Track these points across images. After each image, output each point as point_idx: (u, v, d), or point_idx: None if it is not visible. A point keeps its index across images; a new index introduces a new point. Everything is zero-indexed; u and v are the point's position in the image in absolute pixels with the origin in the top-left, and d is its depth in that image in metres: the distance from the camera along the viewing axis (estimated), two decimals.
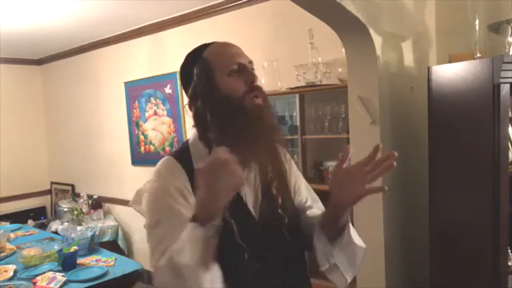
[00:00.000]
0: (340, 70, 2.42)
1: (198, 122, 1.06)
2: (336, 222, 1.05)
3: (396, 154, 0.99)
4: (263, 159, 1.08)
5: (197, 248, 0.85)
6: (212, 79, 1.04)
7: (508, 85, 1.61)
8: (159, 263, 0.90)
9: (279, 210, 1.08)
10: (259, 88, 1.05)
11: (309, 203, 1.22)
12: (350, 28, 1.90)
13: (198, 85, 1.05)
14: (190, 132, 1.12)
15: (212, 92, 1.03)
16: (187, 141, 1.12)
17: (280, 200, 1.10)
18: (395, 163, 1.00)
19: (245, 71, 1.05)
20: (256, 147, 1.03)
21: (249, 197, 1.07)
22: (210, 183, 0.86)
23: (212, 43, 1.11)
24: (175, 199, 0.99)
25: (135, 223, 4.40)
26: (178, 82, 3.75)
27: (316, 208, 1.21)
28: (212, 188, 0.86)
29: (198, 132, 1.07)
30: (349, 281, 1.09)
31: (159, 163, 1.07)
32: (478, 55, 1.80)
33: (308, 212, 1.19)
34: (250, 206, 1.06)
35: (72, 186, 5.16)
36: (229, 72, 1.03)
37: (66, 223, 4.22)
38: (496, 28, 1.80)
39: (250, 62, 1.08)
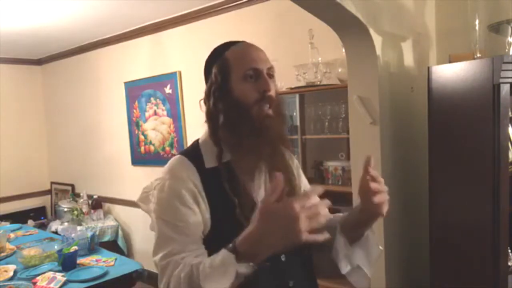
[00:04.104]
0: (340, 70, 2.42)
1: (209, 120, 1.06)
2: (363, 227, 1.08)
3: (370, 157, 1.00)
4: (272, 164, 1.07)
5: (226, 281, 0.82)
6: (227, 81, 1.03)
7: (508, 85, 1.61)
8: (174, 273, 0.89)
9: None
10: (271, 98, 1.03)
11: None
12: (350, 28, 1.90)
13: (213, 84, 1.05)
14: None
15: (225, 95, 1.03)
16: (198, 140, 1.12)
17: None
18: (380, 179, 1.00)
19: (260, 78, 1.03)
20: (258, 155, 1.04)
21: (261, 197, 1.06)
22: (269, 227, 0.80)
23: (238, 42, 1.09)
24: (186, 203, 0.98)
25: (135, 223, 4.40)
26: (178, 82, 3.76)
27: None
28: (268, 233, 0.80)
29: (209, 130, 1.07)
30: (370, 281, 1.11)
31: (170, 162, 1.06)
32: (478, 55, 1.80)
33: None
34: None
35: (72, 186, 5.16)
36: (243, 77, 1.02)
37: (66, 223, 4.22)
38: (496, 28, 1.80)
39: (270, 68, 1.05)
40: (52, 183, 5.46)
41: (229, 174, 1.02)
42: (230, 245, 0.85)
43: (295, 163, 1.25)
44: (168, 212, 0.99)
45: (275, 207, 0.80)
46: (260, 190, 1.08)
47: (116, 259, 2.58)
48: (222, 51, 1.07)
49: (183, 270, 0.89)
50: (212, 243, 0.97)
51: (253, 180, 1.07)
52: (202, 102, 1.09)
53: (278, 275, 1.04)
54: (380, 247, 1.12)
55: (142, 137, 4.23)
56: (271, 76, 1.06)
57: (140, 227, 4.32)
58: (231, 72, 1.03)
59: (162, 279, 0.93)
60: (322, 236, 0.80)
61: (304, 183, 1.26)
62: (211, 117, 1.05)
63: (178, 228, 0.97)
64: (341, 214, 1.19)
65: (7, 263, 2.54)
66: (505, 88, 1.60)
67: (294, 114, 2.61)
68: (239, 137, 1.01)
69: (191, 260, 0.92)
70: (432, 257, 1.86)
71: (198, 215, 0.99)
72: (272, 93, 1.03)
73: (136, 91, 4.20)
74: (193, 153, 1.07)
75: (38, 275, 2.33)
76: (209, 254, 0.94)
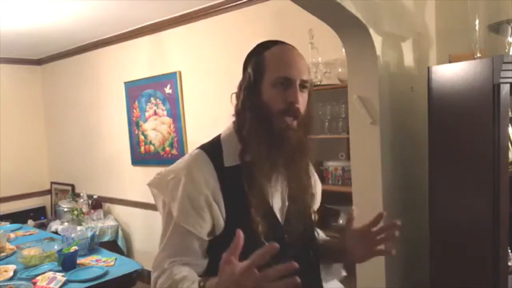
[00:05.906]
0: (340, 70, 2.42)
1: (237, 115, 1.06)
2: (343, 260, 1.20)
3: (399, 223, 1.05)
4: (289, 174, 1.07)
5: None
6: (258, 82, 1.02)
7: (508, 85, 1.61)
8: (159, 281, 0.96)
9: (302, 219, 1.11)
10: (297, 110, 1.00)
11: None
12: (350, 28, 1.90)
13: (245, 81, 1.05)
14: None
15: (254, 95, 1.02)
16: (219, 135, 1.11)
17: (303, 209, 1.12)
18: (397, 233, 1.07)
19: (290, 88, 1.00)
20: (272, 163, 1.03)
21: (276, 201, 1.08)
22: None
23: (282, 44, 1.09)
24: (197, 208, 1.00)
25: (135, 223, 4.40)
26: (178, 82, 3.76)
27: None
28: None
29: (235, 126, 1.06)
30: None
31: (189, 156, 1.06)
32: (478, 55, 1.80)
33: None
34: (276, 209, 1.08)
35: (72, 186, 5.16)
36: (273, 82, 1.00)
37: (66, 223, 4.22)
38: (496, 28, 1.80)
39: (305, 80, 1.02)
40: (52, 183, 5.46)
41: (248, 174, 1.02)
42: (201, 283, 0.88)
43: (315, 177, 1.24)
44: (178, 211, 1.01)
45: (242, 272, 0.76)
46: (276, 194, 1.08)
47: (116, 259, 2.59)
48: (263, 50, 1.06)
49: (166, 282, 0.94)
50: (223, 241, 0.97)
51: (270, 183, 1.07)
52: (234, 95, 1.08)
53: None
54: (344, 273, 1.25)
55: (142, 137, 4.23)
56: (304, 88, 1.03)
57: (140, 227, 4.32)
58: (264, 74, 1.02)
59: (153, 274, 1.00)
60: None
61: (316, 189, 1.25)
62: (238, 113, 1.05)
63: (182, 229, 1.00)
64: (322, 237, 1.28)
65: (7, 263, 2.55)
66: (505, 88, 1.60)
67: None
68: (257, 141, 1.00)
69: (176, 270, 0.95)
70: (432, 257, 1.86)
71: (208, 221, 1.00)
72: (300, 105, 1.01)
73: (136, 91, 4.20)
74: (213, 148, 1.07)
75: (38, 275, 2.33)
76: (219, 253, 0.94)
